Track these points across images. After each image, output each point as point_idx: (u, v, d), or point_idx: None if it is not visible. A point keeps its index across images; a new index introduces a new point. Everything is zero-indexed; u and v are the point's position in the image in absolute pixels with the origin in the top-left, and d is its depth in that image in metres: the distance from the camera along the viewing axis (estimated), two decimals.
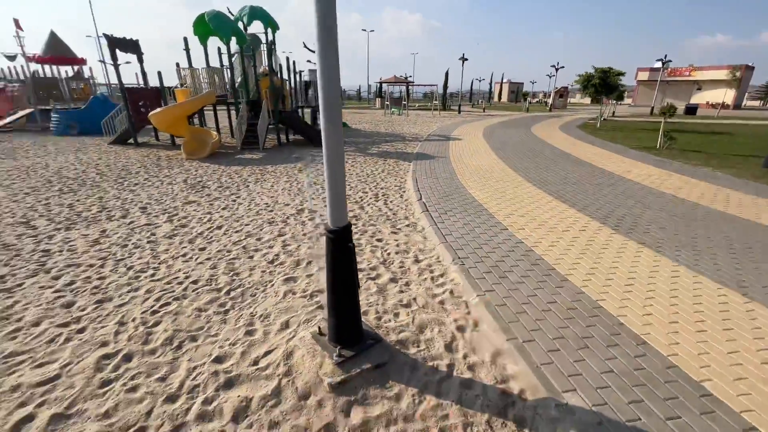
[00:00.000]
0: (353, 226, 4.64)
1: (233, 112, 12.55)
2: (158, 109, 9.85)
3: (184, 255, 3.91)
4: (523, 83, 71.14)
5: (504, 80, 68.76)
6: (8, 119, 15.49)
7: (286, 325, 2.77)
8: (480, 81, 61.60)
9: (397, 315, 2.90)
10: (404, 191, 6.58)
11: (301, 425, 1.93)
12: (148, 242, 4.25)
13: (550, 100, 39.45)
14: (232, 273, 3.52)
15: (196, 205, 5.71)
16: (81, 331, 2.67)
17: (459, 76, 35.06)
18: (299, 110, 14.85)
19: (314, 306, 3.01)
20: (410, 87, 37.26)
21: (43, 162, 8.94)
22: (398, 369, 2.31)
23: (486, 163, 8.98)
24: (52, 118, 14.67)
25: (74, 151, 10.63)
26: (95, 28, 38.22)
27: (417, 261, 3.85)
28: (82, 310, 2.93)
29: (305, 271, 3.59)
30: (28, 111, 15.97)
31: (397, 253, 4.04)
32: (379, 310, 2.96)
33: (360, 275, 3.47)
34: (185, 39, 10.88)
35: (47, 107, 16.55)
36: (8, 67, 17.67)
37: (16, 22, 19.79)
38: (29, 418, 1.95)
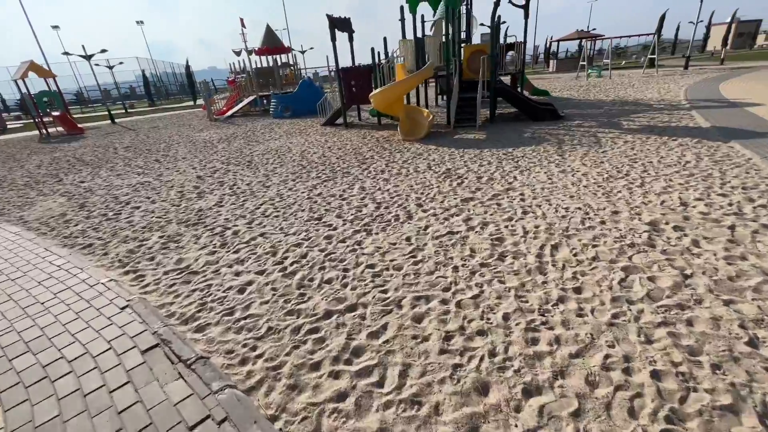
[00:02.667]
0: None
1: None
2: (379, 90, 9.39)
3: (557, 304, 2.61)
4: (761, 20, 50.67)
5: (727, 19, 49.73)
6: (238, 106, 18.36)
7: None
8: (696, 24, 46.05)
9: None
10: None
11: None
12: (481, 265, 3.15)
13: None
14: (683, 357, 1.99)
15: (481, 205, 4.53)
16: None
17: (687, 17, 26.35)
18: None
19: None
20: (596, 42, 30.35)
21: (285, 144, 9.56)
22: None
23: None
24: (272, 103, 16.67)
25: (299, 132, 11.35)
26: (286, 22, 43.61)
27: None
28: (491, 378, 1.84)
29: None
30: (252, 98, 18.63)
31: None
32: None
33: None
34: (401, 8, 10.07)
35: (266, 93, 19.03)
36: (237, 61, 21.05)
37: (242, 21, 23.41)
38: None
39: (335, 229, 4.14)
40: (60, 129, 17.13)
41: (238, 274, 3.33)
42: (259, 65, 20.73)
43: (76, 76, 44.68)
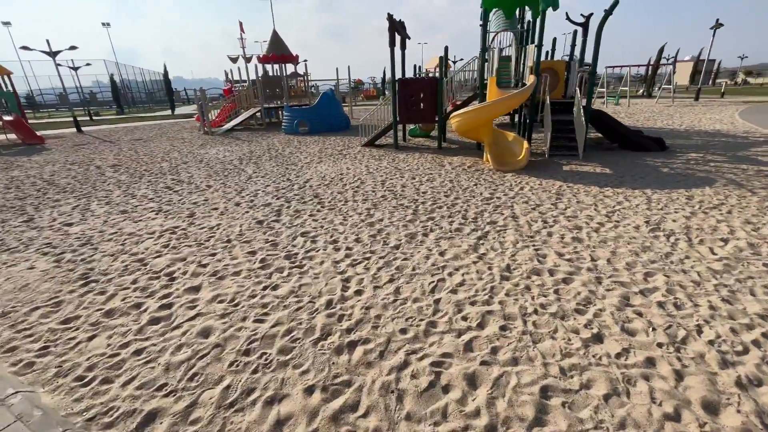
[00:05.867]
0: None
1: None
2: (465, 110, 7.53)
3: None
4: (716, 60, 54.93)
5: (685, 57, 53.29)
6: (240, 118, 15.85)
7: None
8: (669, 59, 49.22)
9: None
10: None
11: None
12: None
13: None
14: None
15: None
16: None
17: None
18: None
19: None
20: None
21: (341, 171, 7.36)
22: None
23: None
24: (285, 117, 14.36)
25: (340, 155, 9.18)
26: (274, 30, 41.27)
27: None
28: None
29: None
30: (255, 110, 16.20)
31: None
32: None
33: None
34: (485, 11, 8.37)
35: (271, 106, 16.70)
36: (237, 68, 18.58)
37: (240, 24, 21.06)
38: None
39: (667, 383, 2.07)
40: (13, 137, 13.80)
41: None
42: (254, 75, 18.38)
43: (27, 78, 39.67)
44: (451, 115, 7.83)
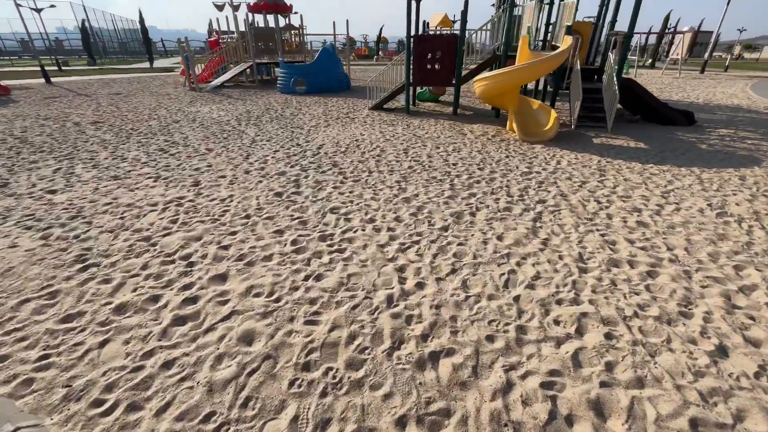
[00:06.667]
0: None
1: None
2: (491, 73, 6.82)
3: None
4: (713, 33, 54.09)
5: (685, 28, 52.02)
6: (226, 76, 14.56)
7: None
8: (669, 30, 47.78)
9: None
10: None
11: None
12: None
13: None
14: None
15: None
16: None
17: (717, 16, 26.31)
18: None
19: None
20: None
21: (356, 137, 6.69)
22: None
23: None
24: (280, 74, 13.19)
25: (348, 118, 8.43)
26: None
27: None
28: None
29: None
30: (246, 66, 14.88)
31: None
32: None
33: None
34: None
35: (264, 61, 15.38)
36: (225, 17, 16.86)
37: None
38: None
39: None
40: None
41: None
42: (243, 26, 16.71)
43: None
44: (475, 79, 7.14)
